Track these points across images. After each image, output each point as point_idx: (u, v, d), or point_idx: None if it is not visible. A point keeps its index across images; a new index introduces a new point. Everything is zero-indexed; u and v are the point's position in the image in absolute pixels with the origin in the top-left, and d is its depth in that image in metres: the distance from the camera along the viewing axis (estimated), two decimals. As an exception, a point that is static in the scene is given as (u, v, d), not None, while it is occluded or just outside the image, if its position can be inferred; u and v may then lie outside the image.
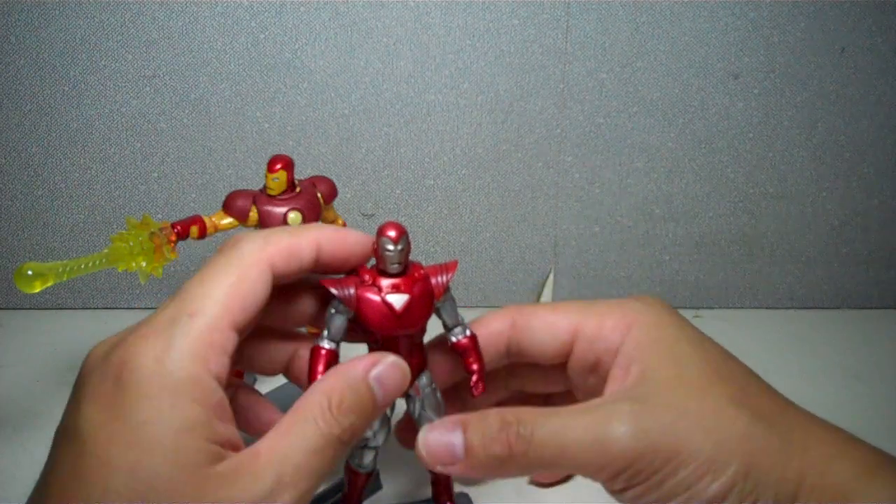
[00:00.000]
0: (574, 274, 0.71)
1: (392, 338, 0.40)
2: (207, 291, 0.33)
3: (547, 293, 0.71)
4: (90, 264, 0.45)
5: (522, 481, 0.49)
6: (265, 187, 0.51)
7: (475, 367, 0.41)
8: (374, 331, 0.40)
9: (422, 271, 0.40)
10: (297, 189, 0.52)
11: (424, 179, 0.67)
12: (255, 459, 0.31)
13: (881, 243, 0.70)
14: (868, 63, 0.65)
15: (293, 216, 0.51)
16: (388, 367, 0.37)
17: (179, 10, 0.62)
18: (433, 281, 0.40)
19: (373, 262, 0.40)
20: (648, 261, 0.70)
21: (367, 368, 0.36)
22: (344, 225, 0.56)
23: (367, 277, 0.39)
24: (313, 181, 0.53)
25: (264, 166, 0.51)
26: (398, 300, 0.39)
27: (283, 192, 0.51)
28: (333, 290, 0.39)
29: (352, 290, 0.39)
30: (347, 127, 0.65)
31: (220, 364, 0.33)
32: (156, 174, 0.66)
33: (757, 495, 0.34)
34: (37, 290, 0.44)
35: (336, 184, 0.54)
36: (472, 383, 0.41)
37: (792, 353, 0.65)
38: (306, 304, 0.40)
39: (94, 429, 0.31)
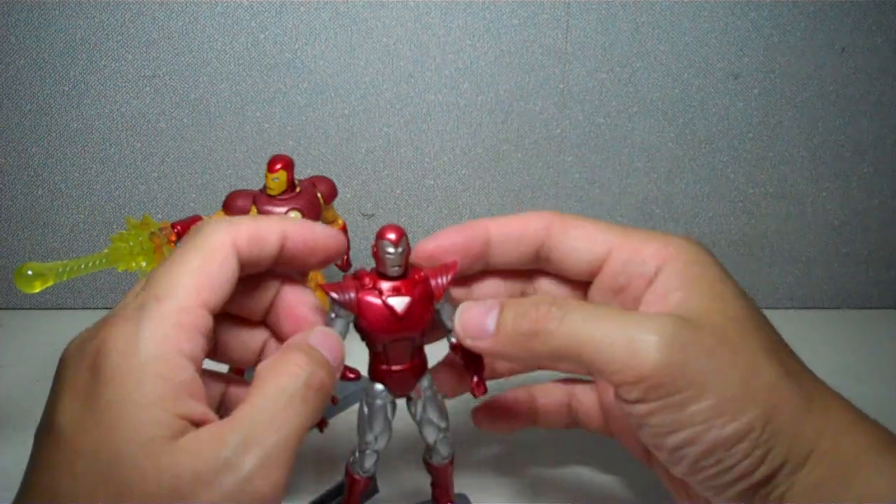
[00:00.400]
0: (574, 274, 0.71)
1: (393, 340, 0.40)
2: (174, 276, 0.33)
3: (547, 293, 0.71)
4: (90, 264, 0.45)
5: (520, 481, 0.49)
6: (265, 187, 0.51)
7: (475, 367, 0.41)
8: (375, 333, 0.39)
9: (422, 273, 0.40)
10: (297, 189, 0.52)
11: (424, 179, 0.67)
12: (222, 427, 0.31)
13: (881, 243, 0.70)
14: (868, 63, 0.65)
15: (293, 216, 0.51)
16: (318, 334, 0.36)
17: (179, 10, 0.62)
18: (433, 283, 0.40)
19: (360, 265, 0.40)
20: (648, 261, 0.70)
21: (303, 339, 0.36)
22: (344, 225, 0.56)
23: (367, 281, 0.39)
24: (313, 181, 0.53)
25: (264, 166, 0.51)
26: (399, 303, 0.39)
27: (283, 192, 0.51)
28: (334, 294, 0.39)
29: (352, 294, 0.39)
30: (347, 127, 0.65)
31: (194, 343, 0.32)
32: (156, 174, 0.66)
33: (771, 445, 0.34)
34: (37, 290, 0.44)
35: (336, 184, 0.54)
36: (473, 384, 0.41)
37: (792, 353, 0.65)
38: (272, 293, 0.39)
39: (70, 420, 0.30)
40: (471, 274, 0.43)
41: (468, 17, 0.63)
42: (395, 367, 0.41)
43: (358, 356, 0.41)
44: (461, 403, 0.46)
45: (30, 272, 0.43)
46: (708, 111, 0.66)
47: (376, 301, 0.39)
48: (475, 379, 0.41)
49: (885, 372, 0.62)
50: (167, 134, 0.65)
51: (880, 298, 0.72)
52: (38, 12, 0.61)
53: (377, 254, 0.39)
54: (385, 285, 0.39)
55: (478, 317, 0.38)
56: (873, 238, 0.70)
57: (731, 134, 0.67)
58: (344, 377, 0.54)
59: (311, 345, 0.35)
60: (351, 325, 0.40)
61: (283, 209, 0.51)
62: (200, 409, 0.31)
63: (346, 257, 0.57)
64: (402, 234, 0.38)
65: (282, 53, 0.63)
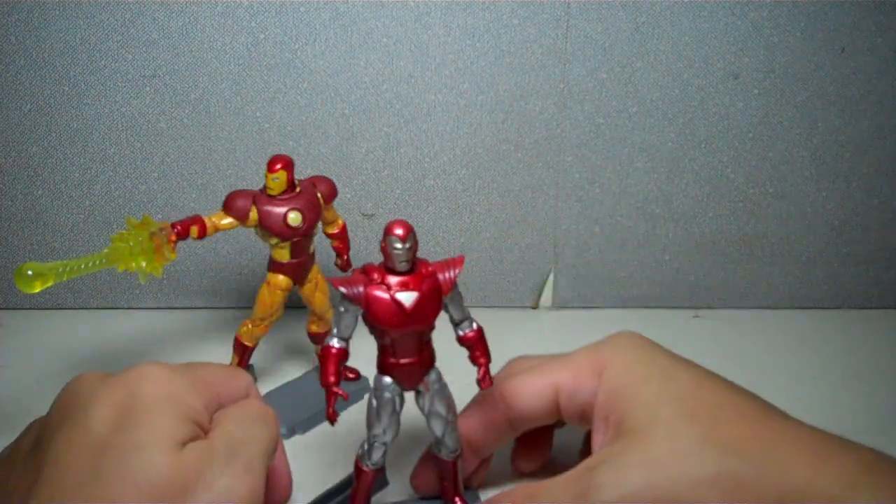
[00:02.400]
0: (574, 274, 0.71)
1: (401, 334, 0.41)
2: (206, 365, 0.41)
3: (547, 293, 0.71)
4: (90, 264, 0.45)
5: (528, 479, 0.49)
6: (265, 187, 0.51)
7: (482, 360, 0.43)
8: (383, 328, 0.40)
9: (429, 268, 0.41)
10: (297, 189, 0.52)
11: (424, 179, 0.67)
12: (210, 443, 0.37)
13: (881, 243, 0.70)
14: (868, 63, 0.65)
15: (293, 216, 0.51)
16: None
17: (179, 10, 0.62)
18: (441, 277, 0.41)
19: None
20: (648, 261, 0.70)
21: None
22: (344, 225, 0.56)
23: (375, 275, 0.40)
24: (313, 181, 0.53)
25: (264, 166, 0.51)
26: (407, 298, 0.40)
27: (283, 192, 0.51)
28: (342, 289, 0.40)
29: (361, 289, 0.40)
30: (347, 127, 0.65)
31: (207, 401, 0.38)
32: (156, 174, 0.66)
33: None
34: (37, 290, 0.44)
35: (336, 184, 0.54)
36: (479, 377, 0.42)
37: (792, 353, 0.65)
38: None
39: (107, 428, 0.34)
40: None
41: (468, 17, 0.63)
42: (403, 361, 0.41)
43: (365, 350, 0.42)
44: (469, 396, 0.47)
45: (30, 272, 0.43)
46: (708, 111, 0.66)
47: (384, 296, 0.40)
48: (481, 371, 0.42)
49: (885, 372, 0.62)
50: (167, 134, 0.65)
51: (880, 298, 0.72)
52: (38, 12, 0.61)
53: (385, 249, 0.40)
54: (393, 280, 0.40)
55: None
56: (873, 238, 0.70)
57: (731, 134, 0.67)
58: (344, 377, 0.55)
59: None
60: (359, 319, 0.41)
61: (283, 209, 0.51)
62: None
63: (345, 257, 0.58)
64: (409, 230, 0.39)
65: (282, 53, 0.63)
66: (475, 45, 0.63)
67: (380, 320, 0.40)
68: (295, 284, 0.54)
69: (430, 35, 0.63)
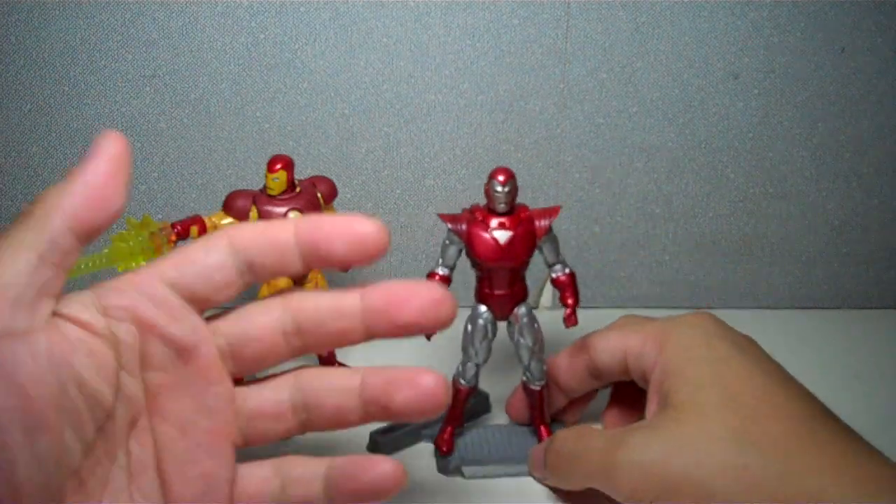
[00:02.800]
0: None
1: (497, 268, 0.47)
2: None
3: (547, 293, 0.71)
4: (90, 264, 0.45)
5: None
6: (265, 187, 0.51)
7: (570, 301, 0.48)
8: (480, 261, 0.47)
9: (527, 213, 0.47)
10: (297, 189, 0.52)
11: (424, 179, 0.67)
12: None
13: (881, 243, 0.70)
14: (868, 63, 0.65)
15: (293, 216, 0.51)
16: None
17: (179, 10, 0.62)
18: (536, 223, 0.47)
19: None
20: (648, 261, 0.70)
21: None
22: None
23: (478, 215, 0.47)
24: (313, 181, 0.53)
25: (264, 166, 0.51)
26: (503, 236, 0.46)
27: (283, 192, 0.51)
28: (449, 225, 0.47)
29: (464, 226, 0.47)
30: (347, 127, 0.65)
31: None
32: (156, 174, 0.66)
33: None
34: (37, 290, 0.44)
35: (336, 184, 0.54)
36: (565, 316, 0.48)
37: (792, 353, 0.65)
38: None
39: None
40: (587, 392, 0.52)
41: (468, 17, 0.63)
42: (497, 292, 0.48)
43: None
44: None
45: (30, 272, 0.43)
46: (708, 111, 0.66)
47: (483, 233, 0.46)
48: (567, 311, 0.48)
49: (885, 372, 0.62)
50: (167, 134, 0.65)
51: (880, 298, 0.72)
52: (38, 12, 0.61)
53: (488, 191, 0.46)
54: (492, 220, 0.46)
55: (535, 452, 0.48)
56: (873, 238, 0.70)
57: (731, 134, 0.67)
58: None
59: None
60: (462, 252, 0.48)
61: (283, 209, 0.51)
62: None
63: (346, 257, 0.58)
64: (510, 176, 0.46)
65: (282, 53, 0.63)
66: (475, 45, 0.63)
67: (478, 254, 0.46)
68: (295, 284, 0.54)
69: (430, 35, 0.63)
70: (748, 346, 0.45)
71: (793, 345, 0.66)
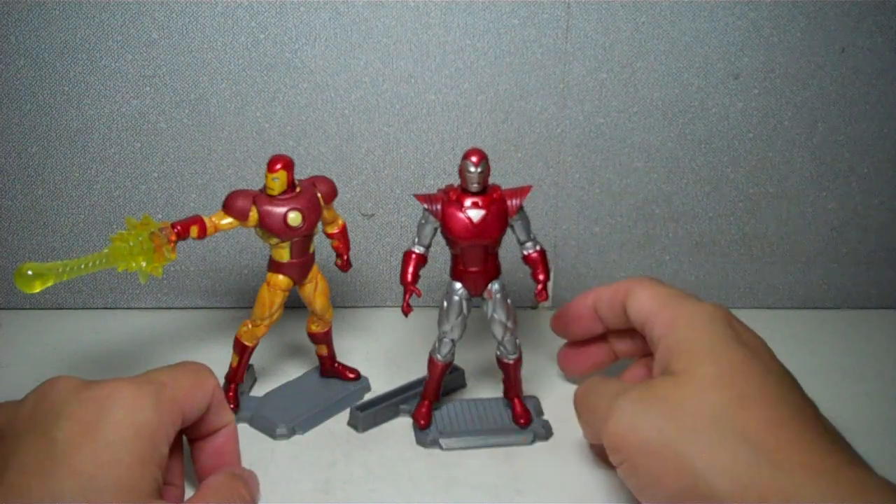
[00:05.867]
0: (574, 274, 0.71)
1: (471, 246, 0.49)
2: (176, 377, 0.42)
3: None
4: (90, 264, 0.45)
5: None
6: (265, 187, 0.51)
7: (541, 276, 0.50)
8: (455, 239, 0.48)
9: (499, 192, 0.49)
10: (297, 189, 0.52)
11: (424, 179, 0.67)
12: None
13: (881, 243, 0.70)
14: (868, 63, 0.65)
15: (293, 216, 0.51)
16: (253, 477, 0.46)
17: (179, 10, 0.62)
18: (508, 202, 0.48)
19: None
20: (648, 261, 0.70)
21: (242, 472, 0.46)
22: (344, 225, 0.56)
23: (452, 195, 0.48)
24: (313, 181, 0.53)
25: (264, 166, 0.51)
26: (476, 214, 0.48)
27: (283, 192, 0.51)
28: (424, 204, 0.48)
29: (439, 206, 0.48)
30: (347, 127, 0.65)
31: (173, 428, 0.41)
32: (156, 174, 0.66)
33: None
34: (37, 290, 0.44)
35: (336, 184, 0.54)
36: (536, 291, 0.50)
37: (792, 353, 0.65)
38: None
39: (69, 443, 0.37)
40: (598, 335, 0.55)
41: (468, 17, 0.63)
42: (470, 269, 0.50)
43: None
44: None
45: (30, 272, 0.43)
46: (708, 111, 0.66)
47: (458, 212, 0.48)
48: (539, 287, 0.50)
49: (885, 372, 0.62)
50: (167, 134, 0.65)
51: (880, 298, 0.72)
52: (37, 12, 0.61)
53: (462, 171, 0.48)
54: (466, 200, 0.48)
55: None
56: (873, 238, 0.70)
57: (731, 134, 0.67)
58: (345, 377, 0.57)
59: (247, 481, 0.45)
60: (438, 231, 0.49)
61: (283, 209, 0.51)
62: (161, 480, 0.39)
63: (345, 257, 0.58)
64: (482, 157, 0.47)
65: (282, 53, 0.63)
66: (475, 45, 0.63)
67: (452, 232, 0.48)
68: (295, 284, 0.54)
69: (430, 35, 0.63)
70: (753, 342, 0.46)
71: (793, 345, 0.66)
